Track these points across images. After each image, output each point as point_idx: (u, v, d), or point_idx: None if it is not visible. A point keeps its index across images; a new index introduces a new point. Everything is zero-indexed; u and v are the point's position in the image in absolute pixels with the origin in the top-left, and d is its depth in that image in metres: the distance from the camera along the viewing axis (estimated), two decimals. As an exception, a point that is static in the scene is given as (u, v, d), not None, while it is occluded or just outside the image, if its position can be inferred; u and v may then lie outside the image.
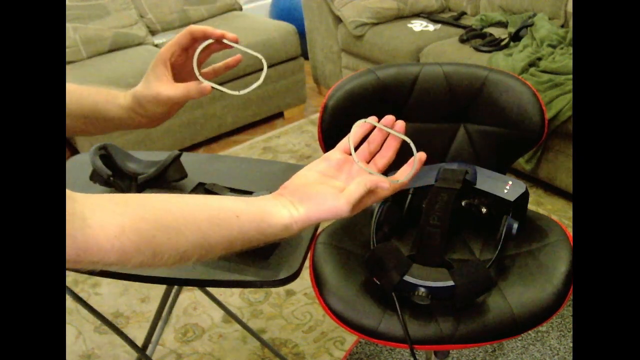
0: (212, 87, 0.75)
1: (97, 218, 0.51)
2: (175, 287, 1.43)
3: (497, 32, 2.62)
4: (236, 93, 0.78)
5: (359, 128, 0.70)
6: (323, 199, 0.64)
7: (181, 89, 0.75)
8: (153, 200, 0.57)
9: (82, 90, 0.78)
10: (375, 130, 0.71)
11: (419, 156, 0.69)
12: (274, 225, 0.62)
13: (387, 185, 0.66)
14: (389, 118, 0.70)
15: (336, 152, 0.70)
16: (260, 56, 0.77)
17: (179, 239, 0.56)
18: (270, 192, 1.02)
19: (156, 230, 0.54)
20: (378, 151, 0.71)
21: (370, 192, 0.66)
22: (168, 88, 0.75)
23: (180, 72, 0.78)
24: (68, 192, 0.49)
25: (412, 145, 0.69)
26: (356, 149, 0.69)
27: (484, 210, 1.10)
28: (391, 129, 0.69)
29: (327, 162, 0.69)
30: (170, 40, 0.76)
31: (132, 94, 0.77)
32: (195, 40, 0.75)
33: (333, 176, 0.68)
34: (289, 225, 0.63)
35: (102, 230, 0.51)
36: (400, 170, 0.70)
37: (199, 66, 0.77)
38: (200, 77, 0.76)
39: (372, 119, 0.70)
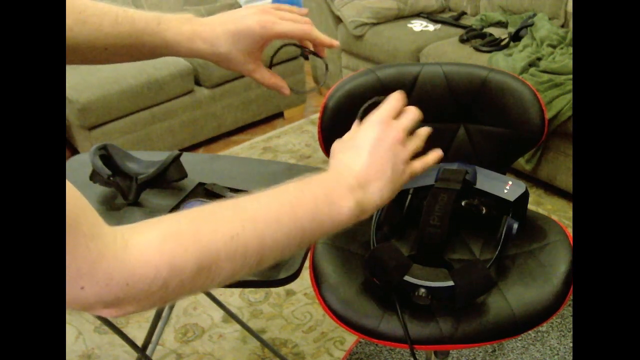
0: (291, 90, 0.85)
1: (138, 235, 0.46)
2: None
3: (497, 32, 2.62)
4: (306, 91, 0.98)
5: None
6: None
7: (271, 81, 0.80)
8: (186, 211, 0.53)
9: (137, 40, 0.74)
10: None
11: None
12: (317, 176, 0.60)
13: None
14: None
15: None
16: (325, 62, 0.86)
17: (224, 223, 0.50)
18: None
19: (197, 223, 0.49)
20: None
21: None
22: (259, 72, 0.78)
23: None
24: (110, 227, 0.46)
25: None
26: None
27: (484, 210, 1.10)
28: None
29: None
30: (286, 28, 0.76)
31: (211, 47, 0.75)
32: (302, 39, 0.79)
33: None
34: (339, 171, 0.62)
35: (146, 244, 0.46)
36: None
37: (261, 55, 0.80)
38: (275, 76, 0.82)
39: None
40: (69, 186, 0.42)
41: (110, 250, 0.43)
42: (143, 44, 0.73)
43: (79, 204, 0.43)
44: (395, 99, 0.69)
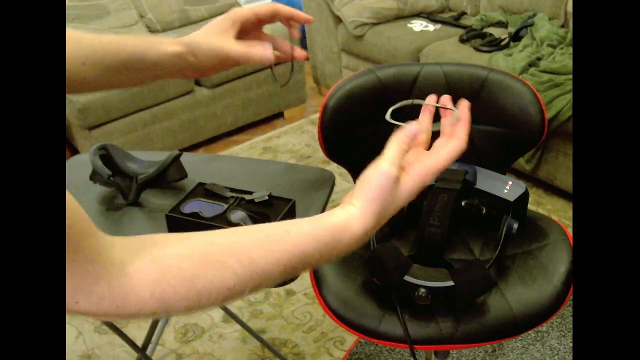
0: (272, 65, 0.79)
1: (135, 264, 0.47)
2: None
3: (497, 32, 2.61)
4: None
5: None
6: (366, 178, 0.59)
7: (243, 49, 0.76)
8: (193, 236, 0.52)
9: (119, 40, 0.75)
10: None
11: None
12: (330, 228, 0.56)
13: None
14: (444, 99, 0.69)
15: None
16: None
17: (225, 274, 0.50)
18: (270, 192, 1.02)
19: (198, 268, 0.49)
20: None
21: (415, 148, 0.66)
22: (230, 44, 0.76)
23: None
24: (108, 237, 0.47)
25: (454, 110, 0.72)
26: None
27: (484, 210, 1.10)
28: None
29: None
30: (251, 6, 0.77)
31: (185, 43, 0.77)
32: (274, 18, 0.79)
33: None
34: (348, 223, 0.57)
35: (141, 277, 0.47)
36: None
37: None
38: (267, 48, 0.77)
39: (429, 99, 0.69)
40: (74, 204, 0.43)
41: (106, 276, 0.45)
42: (123, 49, 0.74)
43: (83, 224, 0.44)
44: (462, 142, 0.68)
